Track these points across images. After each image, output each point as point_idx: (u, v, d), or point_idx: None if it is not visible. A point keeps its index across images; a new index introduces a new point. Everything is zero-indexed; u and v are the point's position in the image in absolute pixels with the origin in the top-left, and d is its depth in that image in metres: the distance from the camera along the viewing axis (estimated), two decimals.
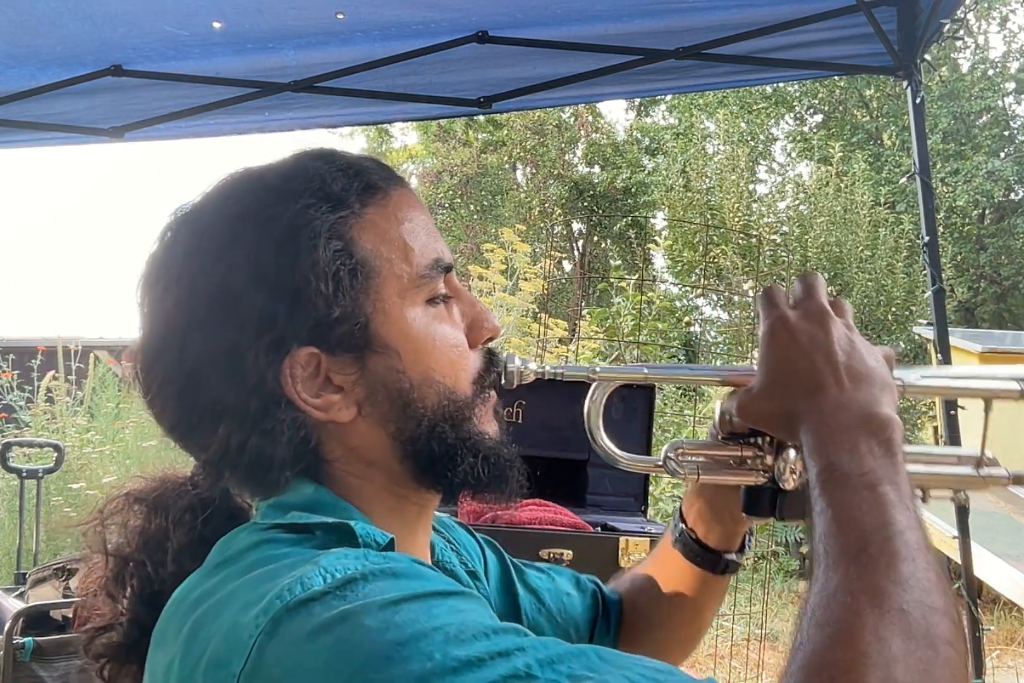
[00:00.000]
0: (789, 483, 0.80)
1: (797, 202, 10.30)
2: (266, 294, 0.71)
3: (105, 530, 0.80)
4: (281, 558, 0.66)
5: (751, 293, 9.51)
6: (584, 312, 7.89)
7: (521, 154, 15.96)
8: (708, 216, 9.68)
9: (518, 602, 0.94)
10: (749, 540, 0.99)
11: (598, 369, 0.87)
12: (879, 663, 0.56)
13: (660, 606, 1.00)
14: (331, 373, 0.74)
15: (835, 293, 9.34)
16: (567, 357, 6.23)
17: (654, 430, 2.76)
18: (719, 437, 0.87)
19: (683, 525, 0.98)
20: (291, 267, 0.71)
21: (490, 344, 0.83)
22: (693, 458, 0.87)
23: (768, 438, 0.83)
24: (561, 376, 0.86)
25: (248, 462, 0.73)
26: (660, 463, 0.87)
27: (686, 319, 10.29)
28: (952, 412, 2.73)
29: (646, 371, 0.88)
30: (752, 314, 9.46)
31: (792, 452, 0.80)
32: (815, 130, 14.59)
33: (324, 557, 0.63)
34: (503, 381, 0.83)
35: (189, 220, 0.77)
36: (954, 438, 2.72)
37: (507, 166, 16.73)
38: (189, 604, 0.68)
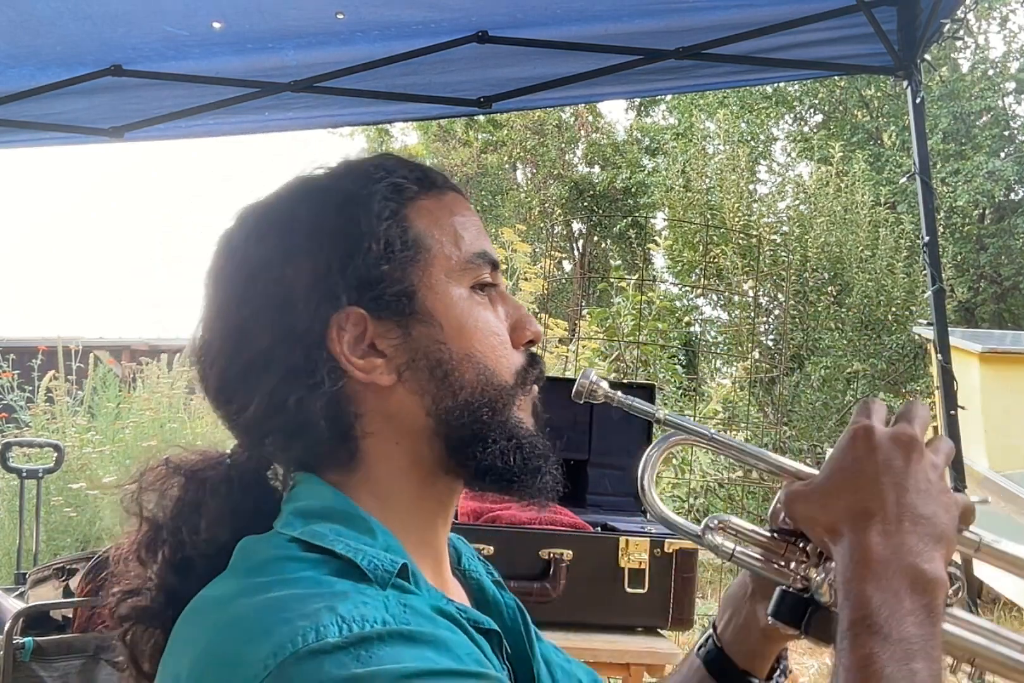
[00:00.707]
0: (824, 597, 0.76)
1: (797, 202, 10.29)
2: (322, 248, 0.76)
3: (143, 496, 0.81)
4: (296, 583, 0.65)
5: (751, 293, 9.51)
6: (584, 312, 7.90)
7: (521, 154, 15.97)
8: (708, 216, 9.67)
9: (533, 663, 0.87)
10: (780, 675, 0.92)
11: (665, 414, 0.85)
12: None
13: None
14: (376, 338, 0.76)
15: (834, 293, 9.35)
16: (567, 357, 6.23)
17: (654, 430, 2.76)
18: (769, 529, 0.83)
19: (713, 631, 0.92)
20: (348, 227, 0.76)
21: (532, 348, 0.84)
22: (733, 537, 0.83)
23: (819, 549, 0.78)
24: (629, 408, 0.85)
25: (288, 421, 0.75)
26: (699, 534, 0.83)
27: (686, 319, 10.28)
28: (952, 412, 2.73)
29: (710, 433, 0.85)
30: (752, 314, 9.46)
31: (835, 564, 0.75)
32: (815, 130, 14.59)
33: (342, 603, 0.62)
34: (573, 392, 0.84)
35: (261, 202, 0.82)
36: (954, 438, 2.72)
37: (507, 166, 16.73)
38: (205, 613, 0.68)
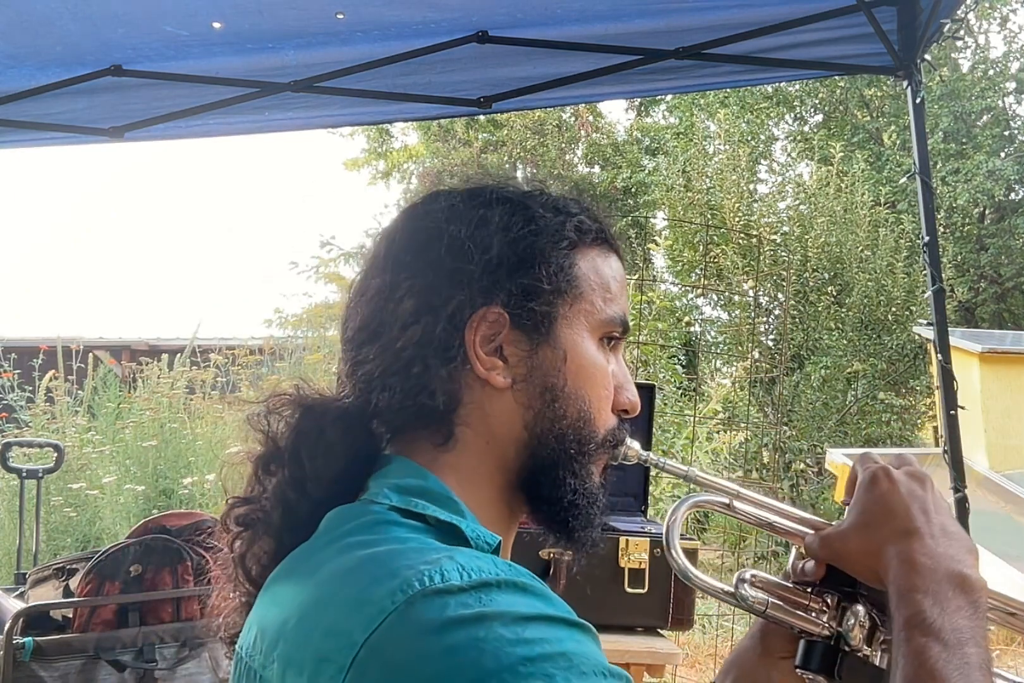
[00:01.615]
0: (855, 639, 0.81)
1: (797, 202, 10.28)
2: (502, 248, 0.81)
3: (270, 418, 0.86)
4: (407, 541, 0.70)
5: (751, 293, 9.50)
6: None
7: (521, 154, 15.96)
8: (708, 216, 9.67)
9: None
10: None
11: (697, 473, 0.89)
12: None
13: None
14: (505, 344, 0.81)
15: (834, 293, 9.35)
16: None
17: (654, 430, 2.76)
18: (791, 581, 0.88)
19: None
20: (531, 241, 0.82)
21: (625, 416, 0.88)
22: (761, 591, 0.87)
23: (836, 598, 0.84)
24: (661, 466, 0.89)
25: (407, 383, 0.79)
26: (731, 590, 0.86)
27: (686, 319, 10.27)
28: (952, 412, 2.73)
29: (737, 491, 0.89)
30: (752, 314, 9.46)
31: (861, 608, 0.82)
32: (815, 130, 14.58)
33: (458, 553, 0.67)
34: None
35: (458, 190, 0.88)
36: (954, 438, 2.72)
37: (507, 166, 16.71)
38: (309, 569, 0.71)
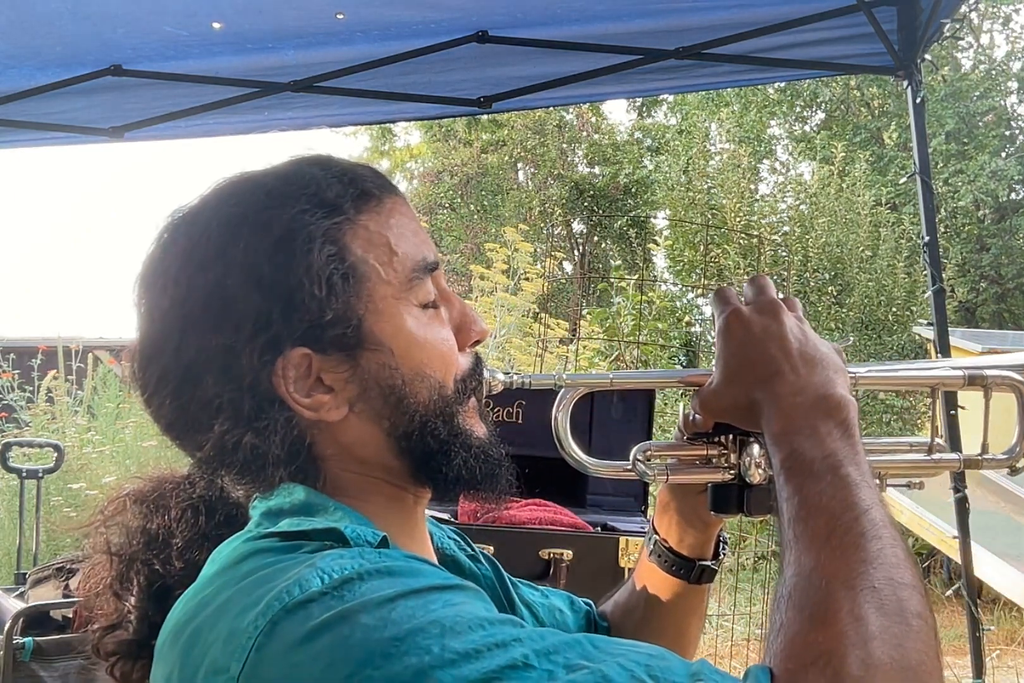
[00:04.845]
0: (755, 477, 0.83)
1: (798, 202, 10.28)
2: (261, 295, 0.73)
3: (108, 532, 0.81)
4: (275, 564, 0.66)
5: None
6: (584, 312, 7.89)
7: (522, 154, 15.97)
8: (709, 216, 9.66)
9: (515, 612, 0.92)
10: (723, 548, 1.00)
11: (564, 376, 0.88)
12: (857, 642, 0.59)
13: (646, 627, 1.00)
14: (322, 373, 0.75)
15: (835, 293, 9.35)
16: (567, 357, 6.23)
17: (654, 430, 2.76)
18: (684, 438, 0.90)
19: (656, 536, 0.98)
20: (286, 270, 0.73)
21: (478, 347, 0.84)
22: (661, 460, 0.89)
23: (731, 436, 0.86)
24: (528, 385, 0.87)
25: (242, 460, 0.75)
26: (629, 467, 0.88)
27: (686, 319, 10.27)
28: (952, 412, 2.73)
29: (611, 377, 0.90)
30: None
31: (756, 447, 0.83)
32: (816, 130, 14.58)
33: (320, 559, 0.64)
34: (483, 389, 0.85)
35: (187, 222, 0.78)
36: (954, 437, 2.72)
37: (508, 166, 16.72)
38: (186, 617, 0.69)
